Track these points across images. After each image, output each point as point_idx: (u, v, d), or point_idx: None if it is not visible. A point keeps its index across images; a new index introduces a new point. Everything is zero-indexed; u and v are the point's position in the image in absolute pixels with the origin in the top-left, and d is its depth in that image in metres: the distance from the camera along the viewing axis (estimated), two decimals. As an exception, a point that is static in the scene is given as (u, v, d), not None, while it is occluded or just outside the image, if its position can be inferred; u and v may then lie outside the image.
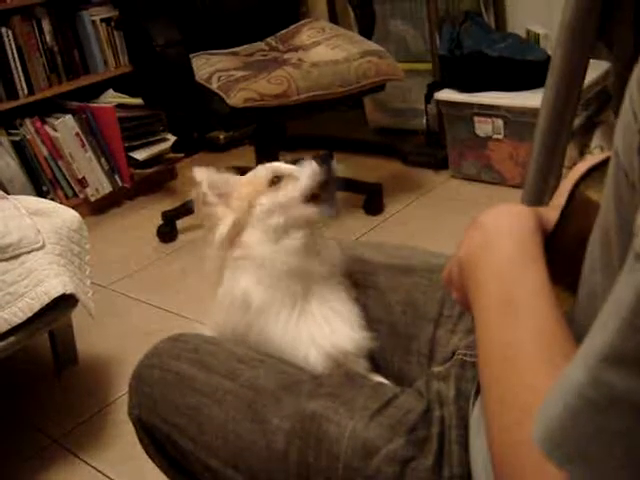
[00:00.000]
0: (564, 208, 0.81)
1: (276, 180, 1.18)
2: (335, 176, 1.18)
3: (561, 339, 0.67)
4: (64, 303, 1.84)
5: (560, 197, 0.86)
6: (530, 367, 0.66)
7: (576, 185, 0.81)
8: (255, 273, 1.14)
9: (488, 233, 0.79)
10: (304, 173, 1.17)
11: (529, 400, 0.64)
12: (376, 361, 1.21)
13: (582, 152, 2.98)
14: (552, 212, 0.83)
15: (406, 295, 1.19)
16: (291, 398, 0.96)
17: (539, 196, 1.37)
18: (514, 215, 0.80)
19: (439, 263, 1.20)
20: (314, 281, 1.17)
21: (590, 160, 0.83)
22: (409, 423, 0.89)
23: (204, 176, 1.20)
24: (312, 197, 1.17)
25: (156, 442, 1.09)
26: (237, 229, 1.17)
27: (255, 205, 1.17)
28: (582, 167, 0.83)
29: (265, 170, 1.20)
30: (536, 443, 0.58)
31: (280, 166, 1.20)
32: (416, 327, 1.17)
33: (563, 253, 0.79)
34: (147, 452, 1.14)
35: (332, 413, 0.92)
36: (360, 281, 1.25)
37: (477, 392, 0.89)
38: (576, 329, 0.69)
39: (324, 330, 1.13)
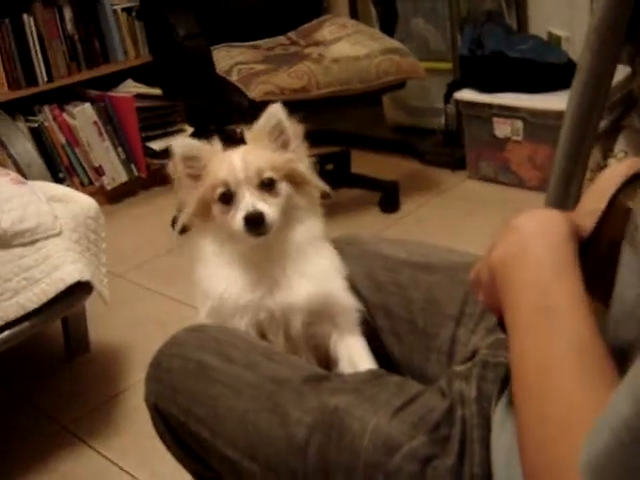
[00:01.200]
0: (603, 215, 0.79)
1: (228, 195, 1.19)
2: (266, 232, 1.18)
3: (598, 353, 0.67)
4: (79, 290, 1.84)
5: (591, 201, 0.85)
6: (567, 382, 0.66)
7: (618, 192, 0.80)
8: (209, 262, 1.24)
9: (523, 238, 0.78)
10: (235, 222, 1.18)
11: (565, 416, 0.64)
12: (395, 358, 1.21)
13: (605, 156, 2.96)
14: (584, 218, 0.81)
15: (427, 292, 1.19)
16: (313, 392, 0.96)
17: (562, 200, 1.36)
18: (549, 220, 0.79)
19: (462, 261, 1.19)
20: (270, 258, 1.22)
21: (628, 166, 0.81)
22: (432, 421, 0.88)
23: (179, 149, 1.22)
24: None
25: (172, 430, 1.08)
26: (202, 214, 1.22)
27: (211, 206, 1.21)
28: (619, 172, 0.81)
29: (222, 179, 1.19)
30: (580, 471, 0.57)
31: (236, 179, 1.18)
32: (437, 325, 1.16)
33: (596, 261, 0.78)
34: (162, 440, 1.14)
35: (355, 408, 0.91)
36: (381, 277, 1.24)
37: (499, 394, 0.89)
38: (608, 340, 0.69)
39: (275, 288, 1.20)
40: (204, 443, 1.02)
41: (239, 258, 1.22)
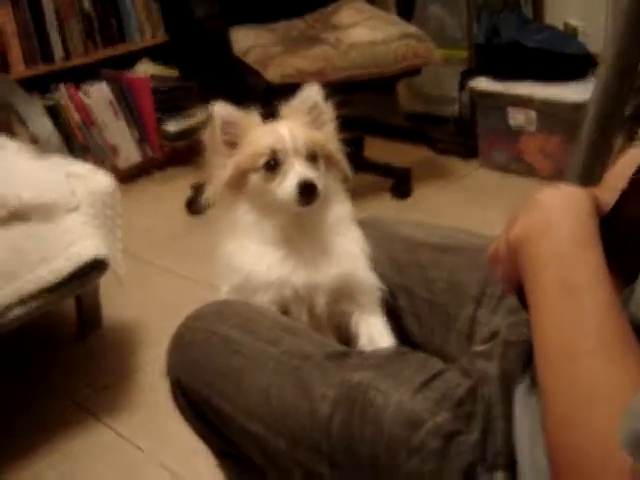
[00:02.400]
0: (624, 191, 0.80)
1: (274, 163, 1.18)
2: (315, 201, 1.18)
3: (621, 329, 0.68)
4: (95, 267, 1.85)
5: (614, 179, 0.85)
6: (591, 359, 0.67)
7: (638, 171, 0.80)
8: (239, 237, 1.22)
9: (547, 213, 0.78)
10: (284, 189, 1.17)
11: (592, 393, 0.65)
12: (415, 338, 1.22)
13: (631, 138, 2.94)
14: (606, 193, 0.82)
15: (448, 273, 1.19)
16: (337, 368, 0.97)
17: (586, 179, 1.36)
18: (571, 196, 0.79)
19: (482, 243, 1.19)
20: (302, 233, 1.22)
21: None
22: (455, 398, 0.89)
23: (220, 113, 1.21)
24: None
25: (193, 404, 1.09)
26: (234, 185, 1.22)
27: (248, 175, 1.20)
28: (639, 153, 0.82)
29: (269, 145, 1.19)
30: (624, 444, 0.58)
31: (284, 147, 1.19)
32: (457, 306, 1.17)
33: (616, 238, 0.78)
34: (182, 414, 1.14)
35: (378, 384, 0.91)
36: (402, 258, 1.25)
37: (522, 372, 0.89)
38: (629, 318, 0.69)
39: (301, 266, 1.20)
40: (226, 417, 1.03)
41: (271, 231, 1.21)
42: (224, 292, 1.24)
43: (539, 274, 0.76)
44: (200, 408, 1.08)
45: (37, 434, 1.95)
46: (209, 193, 1.25)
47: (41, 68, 3.23)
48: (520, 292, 0.82)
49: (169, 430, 1.89)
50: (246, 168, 1.20)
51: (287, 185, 1.17)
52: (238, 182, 1.21)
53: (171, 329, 2.32)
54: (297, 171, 1.17)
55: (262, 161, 1.18)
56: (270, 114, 1.28)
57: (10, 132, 2.69)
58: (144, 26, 3.51)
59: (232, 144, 1.21)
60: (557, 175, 3.15)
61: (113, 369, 2.20)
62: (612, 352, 0.66)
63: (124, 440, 1.91)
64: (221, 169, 1.22)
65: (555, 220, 0.77)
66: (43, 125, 2.15)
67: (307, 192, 1.16)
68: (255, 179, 1.20)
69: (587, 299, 0.70)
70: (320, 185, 1.17)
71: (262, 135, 1.21)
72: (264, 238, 1.21)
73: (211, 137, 1.22)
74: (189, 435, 1.82)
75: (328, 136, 1.25)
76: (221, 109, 1.21)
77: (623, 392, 0.63)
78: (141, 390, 2.08)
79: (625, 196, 0.80)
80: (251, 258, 1.20)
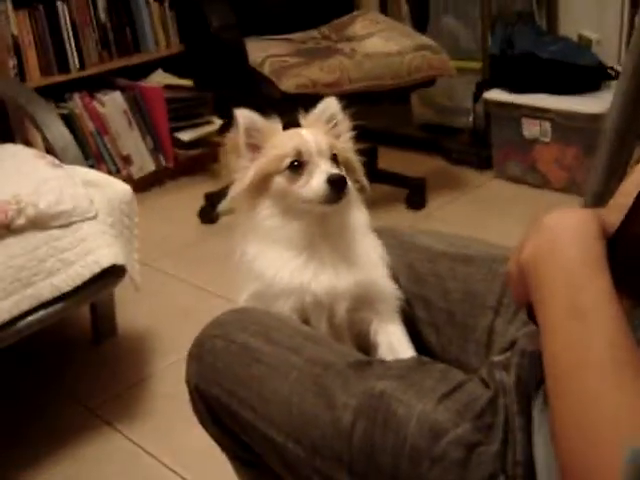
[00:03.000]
0: (629, 212, 0.79)
1: (298, 164, 1.19)
2: (344, 197, 1.19)
3: (630, 352, 0.68)
4: (112, 274, 1.86)
5: (622, 197, 0.85)
6: (600, 382, 0.67)
7: None
8: (261, 241, 1.22)
9: (554, 236, 0.78)
10: (313, 186, 1.18)
11: (601, 417, 0.65)
12: (433, 348, 1.22)
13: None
14: (613, 214, 0.82)
15: (465, 284, 1.20)
16: (359, 377, 0.97)
17: (602, 197, 1.36)
18: (579, 218, 0.79)
19: (499, 253, 1.20)
20: (322, 239, 1.22)
21: None
22: (476, 409, 0.89)
23: (243, 119, 1.23)
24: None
25: (213, 411, 1.09)
26: (254, 189, 1.22)
27: (272, 178, 1.21)
28: None
29: (293, 147, 1.20)
30: (623, 468, 0.59)
31: (308, 148, 1.20)
32: (475, 316, 1.17)
33: (624, 257, 0.78)
34: (201, 421, 1.15)
35: (401, 394, 0.92)
36: (420, 268, 1.25)
37: (539, 382, 0.89)
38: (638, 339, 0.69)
39: (321, 273, 1.20)
40: (246, 425, 1.03)
41: (294, 235, 1.21)
42: (242, 299, 1.25)
43: (547, 296, 0.76)
44: (219, 415, 1.08)
45: (49, 439, 1.95)
46: (230, 196, 1.25)
47: (56, 77, 3.26)
48: (531, 310, 0.82)
49: (181, 438, 1.90)
50: (270, 171, 1.21)
51: (315, 182, 1.17)
52: (260, 186, 1.22)
53: (184, 338, 2.32)
54: (324, 169, 1.18)
55: (286, 162, 1.19)
56: (286, 124, 1.29)
57: (26, 140, 2.72)
58: (159, 36, 3.54)
59: (255, 147, 1.23)
60: (571, 186, 3.15)
61: (126, 376, 2.20)
62: (621, 375, 0.66)
63: (136, 447, 1.92)
64: (244, 172, 1.22)
65: (561, 243, 0.77)
66: (61, 133, 2.16)
67: (337, 187, 1.17)
68: (279, 181, 1.20)
69: (595, 322, 0.70)
70: (348, 183, 1.18)
71: (286, 138, 1.22)
72: (286, 243, 1.21)
73: (234, 140, 1.23)
74: (201, 443, 1.83)
75: (346, 146, 1.27)
76: (244, 115, 1.23)
77: (632, 416, 0.64)
78: (154, 397, 2.09)
79: (630, 217, 0.78)
80: (273, 264, 1.20)
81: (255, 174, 1.21)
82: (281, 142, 1.22)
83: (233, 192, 1.24)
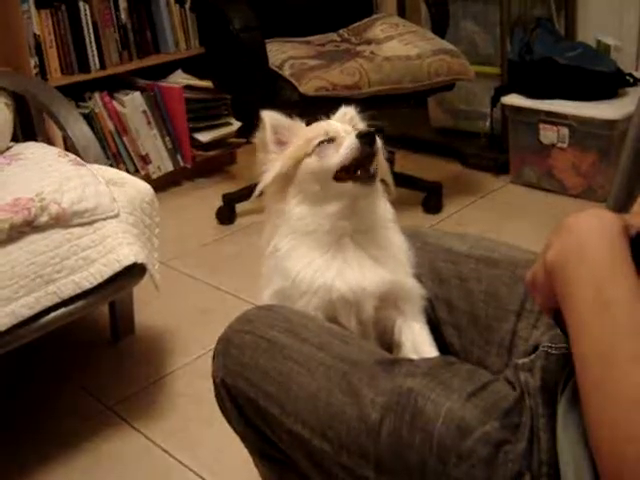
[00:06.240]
0: None
1: (327, 141, 1.21)
2: (375, 153, 1.20)
3: None
4: (132, 272, 1.87)
5: None
6: (634, 373, 0.67)
7: None
8: (288, 233, 1.23)
9: (580, 236, 0.80)
10: (344, 146, 1.19)
11: (635, 397, 0.65)
12: (455, 349, 1.22)
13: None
14: (635, 218, 0.83)
15: (489, 286, 1.20)
16: (387, 374, 0.97)
17: (625, 204, 1.37)
18: (602, 219, 0.80)
19: (524, 257, 1.21)
20: (350, 234, 1.23)
21: None
22: (503, 408, 0.90)
23: (269, 118, 1.25)
24: (353, 167, 1.20)
25: (239, 406, 1.10)
26: (283, 181, 1.24)
27: (301, 164, 1.23)
28: None
29: (321, 129, 1.23)
30: None
31: (335, 128, 1.23)
32: (498, 319, 1.18)
33: None
34: (226, 416, 1.15)
35: (429, 391, 0.92)
36: (443, 270, 1.26)
37: (563, 385, 0.90)
38: None
39: (348, 271, 1.21)
40: (272, 419, 1.04)
41: (323, 228, 1.22)
42: (266, 296, 1.26)
43: (574, 296, 0.77)
44: (244, 409, 1.09)
45: (67, 435, 1.97)
46: (260, 188, 1.27)
47: (77, 77, 3.27)
48: (557, 317, 0.83)
49: (199, 437, 1.91)
50: (299, 156, 1.22)
51: (347, 144, 1.19)
52: (290, 174, 1.24)
53: (201, 337, 2.33)
54: (352, 135, 1.20)
55: (315, 142, 1.21)
56: (307, 125, 1.31)
57: (47, 138, 2.73)
58: (179, 38, 3.56)
59: (282, 143, 1.25)
60: (587, 192, 3.15)
61: (144, 375, 2.21)
62: None
63: (154, 445, 1.92)
64: (272, 164, 1.25)
65: (587, 243, 0.78)
66: (83, 132, 2.18)
67: (368, 140, 1.18)
68: (309, 162, 1.22)
69: (622, 314, 0.72)
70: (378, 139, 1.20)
71: (312, 127, 1.26)
72: (315, 237, 1.22)
73: (261, 137, 1.26)
74: (217, 441, 1.84)
75: None
76: (269, 114, 1.26)
77: None
78: (171, 396, 2.10)
79: None
80: (301, 260, 1.21)
81: (284, 162, 1.23)
82: (308, 130, 1.25)
83: (263, 183, 1.26)
